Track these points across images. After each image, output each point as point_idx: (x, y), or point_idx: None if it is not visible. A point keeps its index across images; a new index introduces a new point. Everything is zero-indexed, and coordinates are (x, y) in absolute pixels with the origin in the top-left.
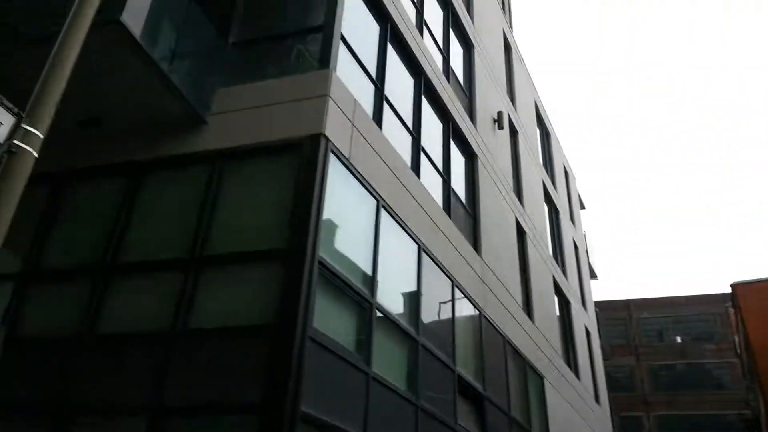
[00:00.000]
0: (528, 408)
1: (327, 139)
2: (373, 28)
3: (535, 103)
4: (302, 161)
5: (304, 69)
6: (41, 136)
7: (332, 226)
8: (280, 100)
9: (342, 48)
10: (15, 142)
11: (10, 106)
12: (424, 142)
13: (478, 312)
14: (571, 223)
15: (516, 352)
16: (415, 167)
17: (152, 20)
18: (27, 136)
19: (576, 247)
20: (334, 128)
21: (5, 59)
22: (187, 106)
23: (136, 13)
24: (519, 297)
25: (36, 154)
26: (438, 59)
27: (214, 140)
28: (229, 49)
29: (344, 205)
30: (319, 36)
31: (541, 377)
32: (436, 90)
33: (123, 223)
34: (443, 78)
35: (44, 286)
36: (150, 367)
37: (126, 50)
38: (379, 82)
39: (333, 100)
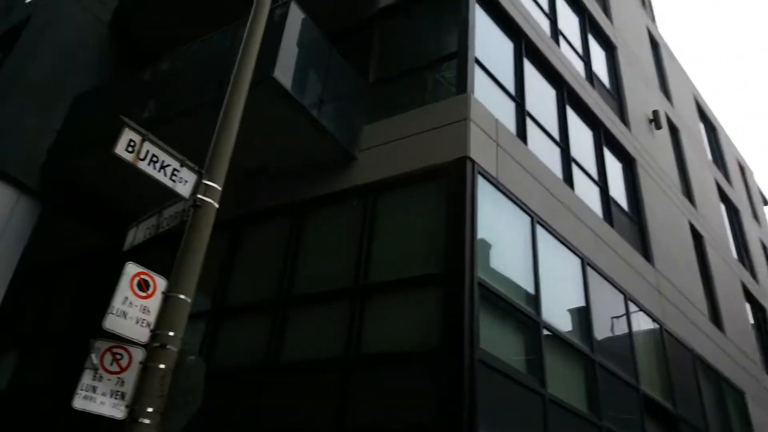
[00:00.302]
0: (729, 427)
1: (473, 162)
2: (507, 46)
3: (695, 98)
4: (451, 185)
5: (443, 96)
6: (219, 188)
7: (488, 247)
8: (423, 129)
9: (478, 70)
10: (199, 196)
11: (192, 165)
12: (575, 152)
13: (657, 325)
14: (754, 221)
15: (707, 366)
16: (568, 179)
17: (300, 72)
18: (208, 190)
19: (765, 247)
20: (479, 150)
21: (176, 124)
22: (338, 145)
23: (285, 68)
24: (704, 307)
25: (216, 205)
26: (579, 66)
27: (364, 174)
28: (370, 87)
29: (498, 225)
30: (454, 62)
31: (740, 392)
32: (580, 97)
33: (293, 258)
34: (587, 84)
35: (231, 322)
36: (330, 392)
37: (280, 102)
38: (519, 98)
39: (474, 123)
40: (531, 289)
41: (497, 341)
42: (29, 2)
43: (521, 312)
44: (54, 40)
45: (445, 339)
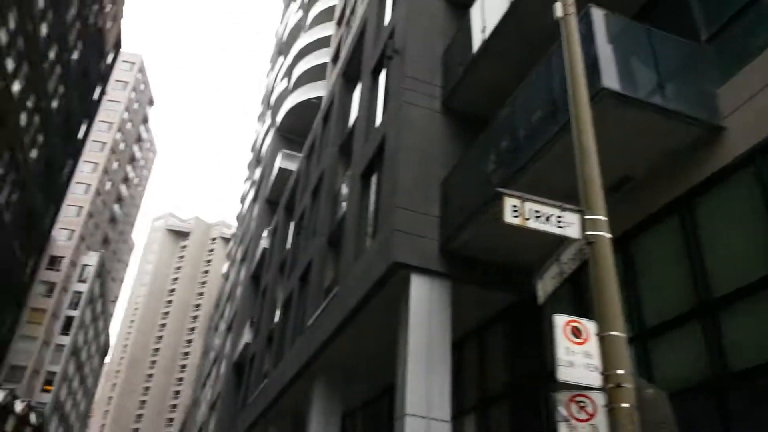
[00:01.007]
0: None
1: None
2: None
3: None
4: None
5: None
6: (604, 219)
7: None
8: None
9: None
10: (588, 233)
11: (570, 206)
12: None
13: None
14: None
15: None
16: None
17: (625, 68)
18: (595, 224)
19: None
20: None
21: (530, 169)
22: (698, 121)
23: (610, 73)
24: None
25: (608, 236)
26: None
27: (742, 141)
28: (705, 46)
29: None
30: None
31: None
32: None
33: (698, 256)
34: None
35: (658, 342)
36: None
37: (621, 107)
38: None
39: None
40: None
41: None
42: (378, 126)
43: None
44: (408, 145)
45: None
